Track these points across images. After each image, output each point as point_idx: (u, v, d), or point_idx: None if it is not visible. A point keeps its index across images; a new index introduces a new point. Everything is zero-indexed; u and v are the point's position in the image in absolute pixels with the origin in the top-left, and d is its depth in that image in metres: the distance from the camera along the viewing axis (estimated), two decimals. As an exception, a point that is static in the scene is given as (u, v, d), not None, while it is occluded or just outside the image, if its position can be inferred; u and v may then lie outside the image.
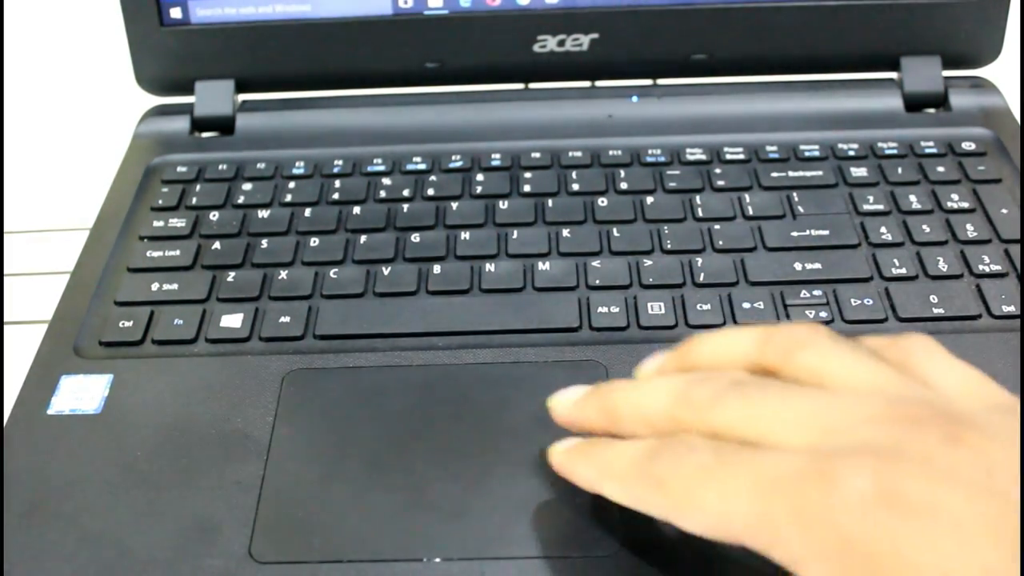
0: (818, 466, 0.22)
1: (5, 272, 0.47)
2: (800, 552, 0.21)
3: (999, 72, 0.48)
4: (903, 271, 0.38)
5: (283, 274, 0.39)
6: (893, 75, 0.48)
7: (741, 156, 0.44)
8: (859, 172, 0.43)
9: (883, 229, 0.40)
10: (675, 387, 0.26)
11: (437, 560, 0.29)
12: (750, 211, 0.41)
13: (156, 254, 0.41)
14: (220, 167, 0.46)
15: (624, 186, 0.43)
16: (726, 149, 0.45)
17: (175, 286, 0.39)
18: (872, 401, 0.23)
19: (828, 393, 0.24)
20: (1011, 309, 0.36)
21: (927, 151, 0.44)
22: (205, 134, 0.49)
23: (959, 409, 0.23)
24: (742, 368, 0.26)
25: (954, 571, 0.20)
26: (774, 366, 0.25)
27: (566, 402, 0.29)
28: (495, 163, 0.45)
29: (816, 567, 0.21)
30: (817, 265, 0.38)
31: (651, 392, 0.26)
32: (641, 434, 0.26)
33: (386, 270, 0.39)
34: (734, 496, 0.22)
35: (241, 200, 0.44)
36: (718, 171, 0.43)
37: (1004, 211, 0.40)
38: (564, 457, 0.28)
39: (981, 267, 0.38)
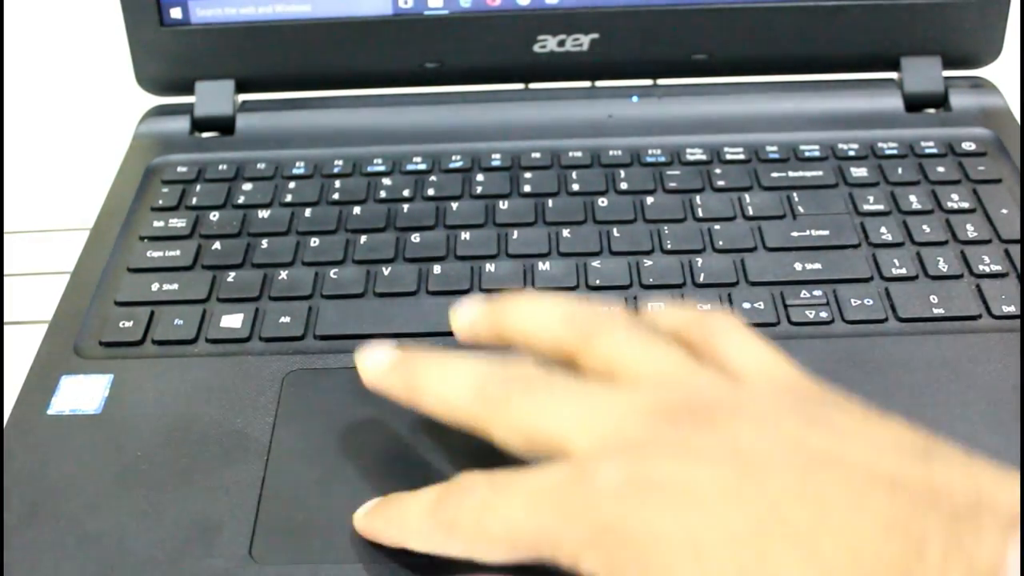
0: (578, 469, 0.24)
1: (5, 272, 0.47)
2: (574, 549, 0.23)
3: (999, 72, 0.48)
4: (903, 271, 0.38)
5: (283, 274, 0.39)
6: (893, 75, 0.48)
7: (741, 156, 0.44)
8: (859, 172, 0.43)
9: (883, 229, 0.40)
10: (474, 378, 0.27)
11: (437, 560, 0.29)
12: (750, 211, 0.41)
13: (156, 254, 0.41)
14: (220, 167, 0.46)
15: (624, 186, 0.43)
16: (726, 149, 0.45)
17: (175, 286, 0.39)
18: (642, 396, 0.25)
19: (605, 391, 0.26)
20: (1011, 309, 0.36)
21: (927, 151, 0.44)
22: (205, 134, 0.49)
23: (727, 395, 0.25)
24: (547, 345, 0.28)
25: (703, 540, 0.22)
26: (574, 350, 0.27)
27: (375, 363, 0.29)
28: (495, 163, 0.45)
29: (589, 558, 0.23)
30: (817, 265, 0.38)
31: (453, 377, 0.27)
32: (439, 413, 0.27)
33: (386, 270, 0.39)
34: (513, 518, 0.24)
35: (241, 200, 0.44)
36: (718, 171, 0.43)
37: (1004, 211, 0.40)
38: (364, 523, 0.28)
39: (981, 267, 0.38)
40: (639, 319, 0.28)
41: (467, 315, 0.30)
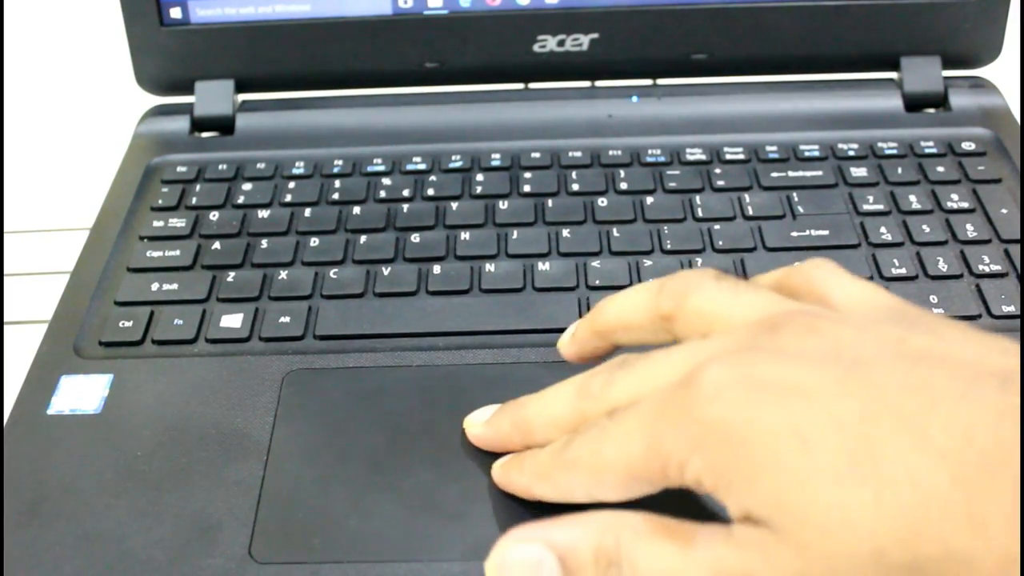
0: (683, 379, 0.24)
1: (5, 272, 0.47)
2: (680, 457, 0.23)
3: (999, 72, 0.48)
4: (903, 271, 0.38)
5: (283, 274, 0.39)
6: (893, 75, 0.48)
7: (741, 156, 0.44)
8: (859, 172, 0.43)
9: (883, 229, 0.40)
10: (574, 386, 0.27)
11: (437, 561, 0.29)
12: (750, 211, 0.41)
13: (156, 254, 0.41)
14: (220, 167, 0.46)
15: (624, 186, 0.43)
16: (726, 149, 0.45)
17: (175, 286, 0.39)
18: (725, 335, 0.25)
19: (705, 341, 0.26)
20: (1011, 309, 0.36)
21: (927, 151, 0.44)
22: (205, 134, 0.49)
23: (828, 312, 0.25)
24: (645, 323, 0.28)
25: (809, 429, 0.21)
26: (670, 313, 0.27)
27: (479, 423, 0.31)
28: (495, 163, 0.45)
29: (693, 464, 0.23)
30: (817, 265, 0.38)
31: (555, 397, 0.28)
32: (556, 439, 0.27)
33: (386, 270, 0.39)
34: (628, 440, 0.24)
35: (241, 200, 0.44)
36: (718, 171, 0.44)
37: (1004, 211, 0.40)
38: (500, 472, 0.29)
39: (981, 267, 0.38)
40: (725, 276, 0.28)
41: (567, 333, 0.31)
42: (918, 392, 0.21)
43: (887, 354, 0.22)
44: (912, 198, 0.41)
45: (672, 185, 0.43)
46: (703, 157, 0.44)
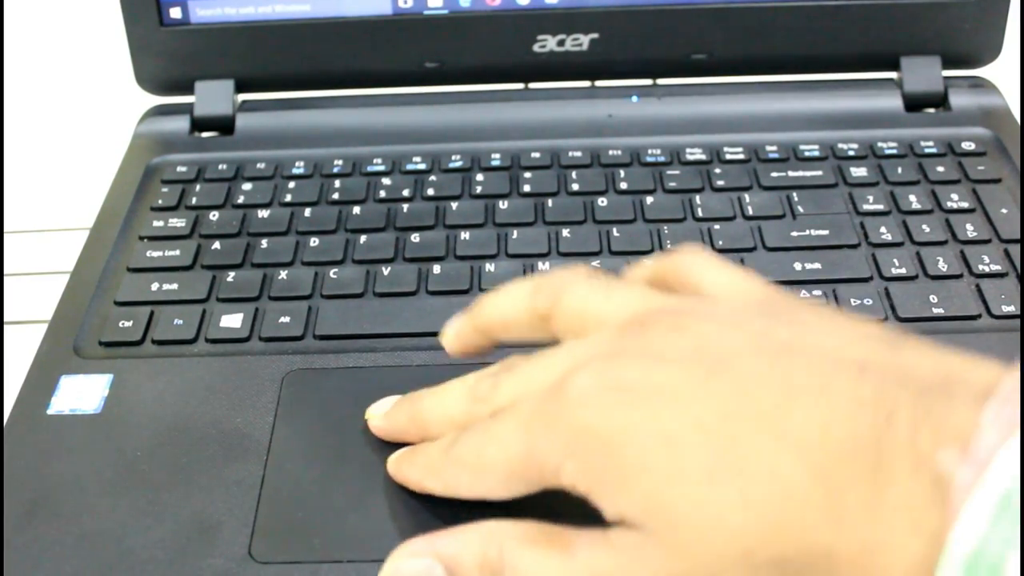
0: (556, 383, 0.24)
1: (5, 272, 0.47)
2: (555, 461, 0.24)
3: (999, 72, 0.48)
4: (903, 271, 0.38)
5: (283, 274, 0.39)
6: (893, 75, 0.48)
7: (741, 156, 0.44)
8: (859, 172, 0.43)
9: (883, 229, 0.40)
10: (465, 387, 0.28)
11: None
12: (750, 211, 0.41)
13: (156, 254, 0.41)
14: (220, 167, 0.46)
15: (624, 186, 0.43)
16: (726, 149, 0.45)
17: (175, 286, 0.39)
18: (599, 335, 0.26)
19: (578, 342, 0.26)
20: (1011, 309, 0.36)
21: (927, 151, 0.44)
22: (205, 134, 0.49)
23: (696, 305, 0.26)
24: (524, 322, 0.29)
25: (673, 430, 0.22)
26: (546, 313, 0.28)
27: (379, 414, 0.31)
28: (495, 163, 0.45)
29: (567, 469, 0.23)
30: (817, 265, 0.38)
31: (448, 395, 0.29)
32: (442, 430, 0.29)
33: (386, 270, 0.39)
34: (507, 443, 0.25)
35: (241, 200, 0.44)
36: (718, 171, 0.44)
37: (1004, 211, 0.40)
38: (394, 465, 0.30)
39: (981, 267, 0.38)
40: (606, 273, 0.29)
41: (451, 329, 0.31)
42: (778, 387, 0.22)
43: (749, 349, 0.23)
44: (912, 198, 0.41)
45: (672, 185, 0.43)
46: (703, 157, 0.44)
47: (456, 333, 0.31)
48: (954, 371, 0.21)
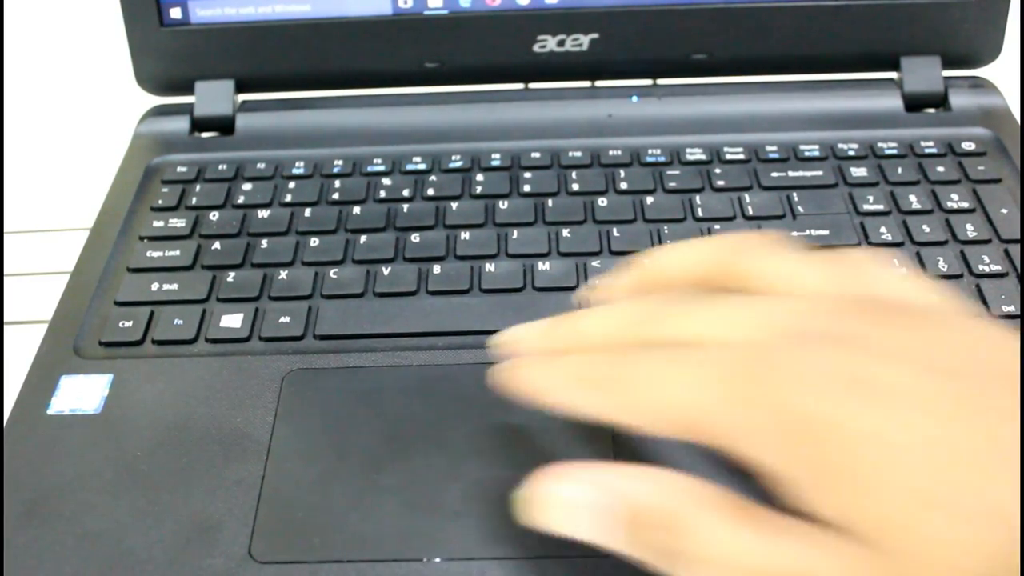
0: (761, 352, 0.22)
1: (5, 272, 0.47)
2: (749, 437, 0.21)
3: (999, 72, 0.48)
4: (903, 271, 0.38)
5: (283, 274, 0.39)
6: (893, 75, 0.48)
7: (741, 156, 0.44)
8: (859, 172, 0.43)
9: (883, 229, 0.40)
10: (633, 305, 0.26)
11: (437, 560, 0.29)
12: (750, 211, 0.41)
13: (156, 254, 0.41)
14: (220, 167, 0.46)
15: (624, 186, 0.43)
16: (726, 149, 0.45)
17: (175, 286, 0.39)
18: (813, 298, 0.23)
19: (772, 297, 0.24)
20: (1011, 309, 0.36)
21: (927, 151, 0.44)
22: (205, 134, 0.49)
23: (912, 301, 0.24)
24: (700, 278, 0.26)
25: (914, 443, 0.20)
26: (728, 271, 0.25)
27: (530, 336, 0.28)
28: (495, 163, 0.45)
29: (770, 450, 0.21)
30: (817, 265, 0.38)
31: (611, 314, 0.26)
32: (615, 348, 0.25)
33: (386, 270, 0.39)
34: (701, 386, 0.22)
35: (241, 200, 0.44)
36: (718, 171, 0.44)
37: (1004, 211, 0.40)
38: (519, 369, 0.26)
39: (981, 267, 0.38)
40: (788, 242, 0.26)
41: (611, 281, 0.28)
42: (1015, 419, 0.19)
43: (985, 370, 0.21)
44: (912, 198, 0.41)
45: (672, 185, 0.43)
46: (703, 157, 0.44)
47: (621, 286, 0.28)
48: None
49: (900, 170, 0.43)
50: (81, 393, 0.35)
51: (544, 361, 0.26)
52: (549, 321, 0.28)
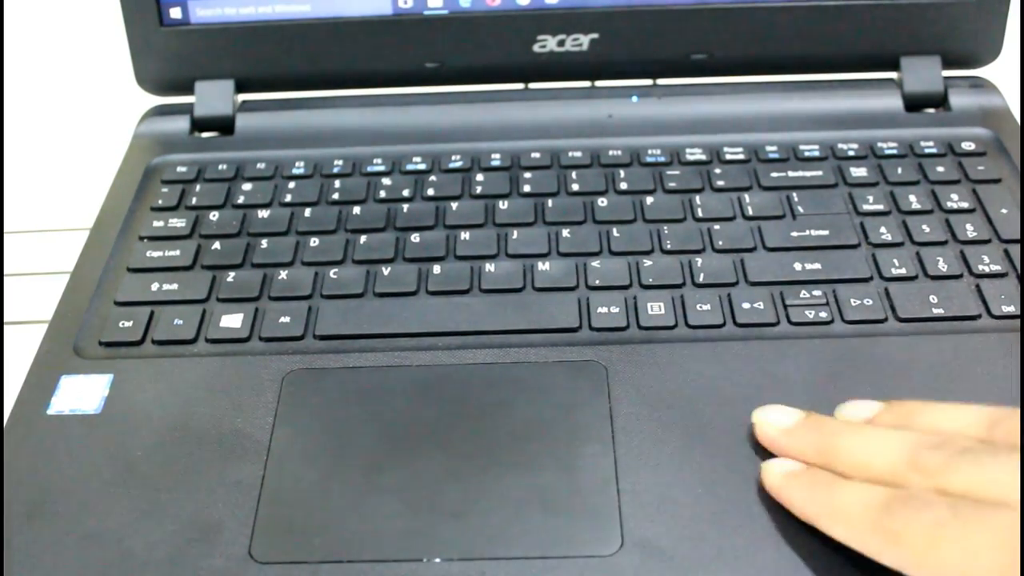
0: None
1: (5, 272, 0.47)
2: None
3: (999, 72, 0.48)
4: (903, 271, 0.38)
5: (283, 274, 0.39)
6: (893, 75, 0.48)
7: (741, 156, 0.44)
8: (859, 172, 0.43)
9: (883, 229, 0.40)
10: (905, 444, 0.26)
11: (437, 560, 0.29)
12: (750, 211, 0.41)
13: (156, 254, 0.41)
14: (220, 167, 0.46)
15: (624, 186, 0.43)
16: (726, 149, 0.45)
17: (175, 286, 0.39)
18: None
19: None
20: (1011, 309, 0.36)
21: (927, 151, 0.44)
22: (205, 134, 0.49)
23: None
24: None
25: None
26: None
27: (777, 426, 0.29)
28: (495, 163, 0.45)
29: None
30: (817, 265, 0.38)
31: (877, 443, 0.26)
32: (858, 479, 0.26)
33: (386, 270, 0.39)
34: (976, 552, 0.22)
35: (241, 200, 0.44)
36: (718, 171, 0.43)
37: (1004, 211, 0.40)
38: (784, 482, 0.28)
39: (981, 267, 0.38)
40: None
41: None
42: None
43: None
44: (912, 198, 0.41)
45: (672, 185, 0.43)
46: (703, 157, 0.44)
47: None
48: None
49: (900, 170, 0.43)
50: (81, 393, 0.35)
51: (803, 483, 0.27)
52: (803, 422, 0.28)
